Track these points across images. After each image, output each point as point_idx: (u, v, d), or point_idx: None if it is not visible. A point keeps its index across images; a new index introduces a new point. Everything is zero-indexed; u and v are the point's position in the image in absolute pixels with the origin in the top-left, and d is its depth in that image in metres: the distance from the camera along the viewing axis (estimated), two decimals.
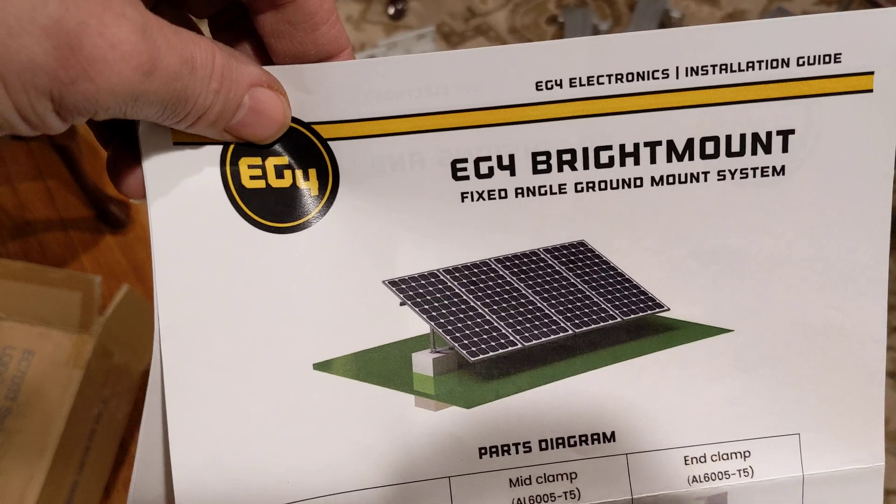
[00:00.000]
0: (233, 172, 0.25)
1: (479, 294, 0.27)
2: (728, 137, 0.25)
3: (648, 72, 0.24)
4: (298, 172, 0.25)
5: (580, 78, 0.24)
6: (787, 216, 0.26)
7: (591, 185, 0.26)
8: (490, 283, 0.27)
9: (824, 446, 0.28)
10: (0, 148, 1.14)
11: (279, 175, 0.25)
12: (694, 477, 0.28)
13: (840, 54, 0.24)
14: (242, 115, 0.23)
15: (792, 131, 0.25)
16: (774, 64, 0.24)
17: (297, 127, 0.25)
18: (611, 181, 0.26)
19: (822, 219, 0.26)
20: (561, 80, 0.24)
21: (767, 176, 0.26)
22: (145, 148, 0.24)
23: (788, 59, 0.24)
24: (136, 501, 0.26)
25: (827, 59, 0.24)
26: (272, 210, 0.25)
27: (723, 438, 0.28)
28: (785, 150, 0.25)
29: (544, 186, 0.26)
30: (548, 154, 0.25)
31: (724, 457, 0.28)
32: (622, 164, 0.25)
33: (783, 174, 0.26)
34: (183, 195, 0.25)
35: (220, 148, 0.25)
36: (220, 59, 0.22)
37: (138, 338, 0.90)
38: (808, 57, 0.24)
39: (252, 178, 0.25)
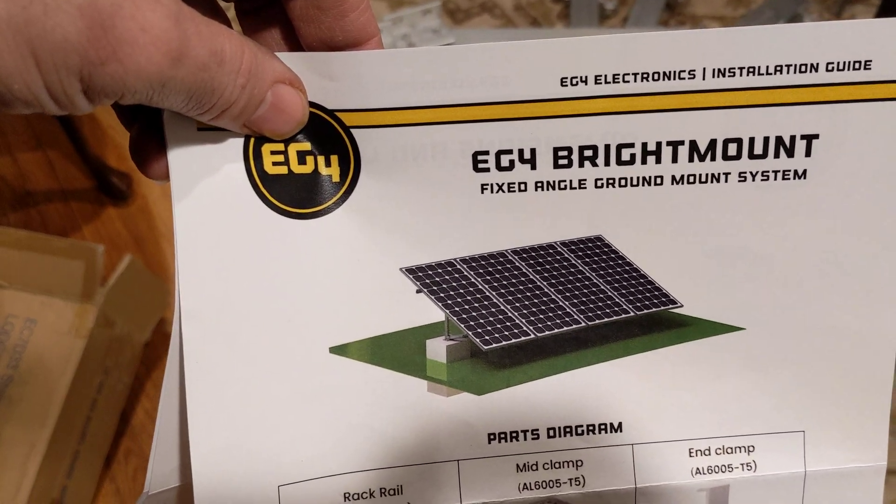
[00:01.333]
0: (256, 158, 0.25)
1: (495, 284, 0.27)
2: (751, 140, 0.25)
3: (675, 72, 0.24)
4: (320, 159, 0.26)
5: (606, 75, 0.24)
6: (805, 220, 0.26)
7: (611, 181, 0.26)
8: (506, 274, 0.27)
9: (828, 444, 0.28)
10: None
11: (301, 161, 0.25)
12: (697, 469, 0.28)
13: (870, 61, 0.24)
14: (263, 111, 0.23)
15: (816, 136, 0.25)
16: (803, 68, 0.24)
17: (320, 114, 0.25)
18: (631, 178, 0.26)
19: (841, 224, 0.26)
20: (586, 77, 0.24)
21: (789, 179, 0.26)
22: (170, 132, 0.24)
23: (818, 64, 0.24)
24: (154, 477, 0.26)
25: (857, 65, 0.24)
26: (293, 196, 0.26)
27: (728, 433, 0.28)
28: (808, 154, 0.25)
29: (564, 181, 0.26)
30: (569, 149, 0.25)
31: (729, 450, 0.28)
32: (643, 162, 0.25)
33: (805, 178, 0.26)
34: (206, 180, 0.25)
35: (243, 134, 0.25)
36: (248, 55, 0.22)
37: (140, 309, 0.91)
38: (838, 63, 0.24)
39: (274, 163, 0.25)
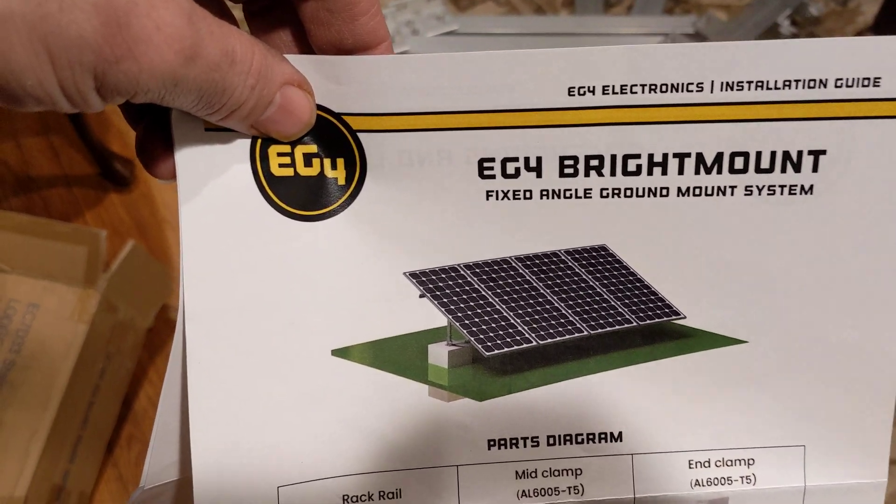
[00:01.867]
0: (262, 160, 0.25)
1: (498, 291, 0.27)
2: (758, 154, 0.25)
3: (683, 84, 0.24)
4: (326, 161, 0.26)
5: (613, 86, 0.24)
6: (811, 235, 0.26)
7: (616, 191, 0.26)
8: (509, 281, 0.27)
9: (829, 459, 0.28)
10: None
11: (307, 163, 0.25)
12: (697, 480, 0.28)
13: (879, 78, 0.24)
14: (272, 112, 0.24)
15: (823, 152, 0.25)
16: (812, 84, 0.24)
17: (327, 116, 0.25)
18: (637, 189, 0.26)
19: (846, 240, 0.26)
20: (594, 87, 0.24)
21: (795, 194, 0.26)
22: (177, 132, 0.24)
23: (826, 79, 0.24)
24: (151, 471, 0.26)
25: (865, 82, 0.24)
26: (299, 198, 0.26)
27: (728, 445, 0.28)
28: (815, 169, 0.25)
29: (570, 190, 0.26)
30: (575, 159, 0.25)
31: (728, 463, 0.28)
32: (649, 173, 0.25)
33: (811, 193, 0.26)
34: (213, 180, 0.25)
35: (250, 135, 0.25)
36: (258, 56, 0.22)
37: (143, 294, 0.91)
38: (847, 79, 0.24)
39: (281, 165, 0.25)
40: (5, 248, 0.84)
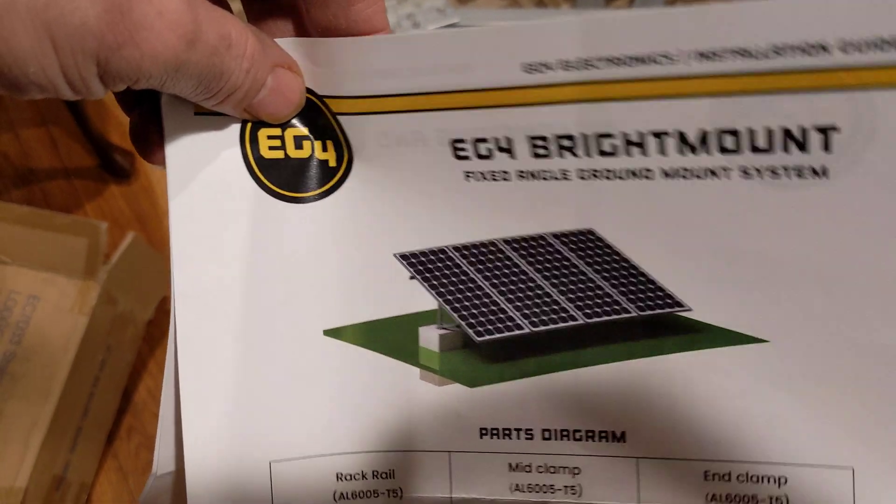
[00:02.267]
0: (252, 143, 0.25)
1: (487, 274, 0.26)
2: (751, 131, 0.22)
3: (649, 55, 0.22)
4: (317, 144, 0.26)
5: (572, 60, 0.22)
6: (831, 223, 0.22)
7: (595, 173, 0.24)
8: (498, 264, 0.26)
9: (884, 485, 0.24)
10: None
11: (298, 146, 0.25)
12: (714, 495, 0.25)
13: None
14: (263, 95, 0.24)
15: (835, 128, 0.21)
16: (811, 50, 0.20)
17: (313, 99, 0.25)
18: (616, 171, 0.24)
19: (875, 228, 0.22)
20: (551, 63, 0.22)
21: (805, 178, 0.22)
22: (167, 116, 0.24)
23: (828, 44, 0.20)
24: (161, 459, 0.26)
25: (884, 45, 0.20)
26: (289, 180, 0.26)
27: (755, 458, 0.24)
28: (827, 148, 0.21)
29: (546, 171, 0.24)
30: (545, 139, 0.24)
31: (754, 479, 0.25)
32: (628, 153, 0.23)
33: (826, 176, 0.22)
34: (202, 164, 0.25)
35: (240, 119, 0.25)
36: (252, 40, 0.22)
37: (143, 286, 0.91)
38: (858, 43, 0.20)
39: (271, 148, 0.25)
40: (5, 239, 0.84)
